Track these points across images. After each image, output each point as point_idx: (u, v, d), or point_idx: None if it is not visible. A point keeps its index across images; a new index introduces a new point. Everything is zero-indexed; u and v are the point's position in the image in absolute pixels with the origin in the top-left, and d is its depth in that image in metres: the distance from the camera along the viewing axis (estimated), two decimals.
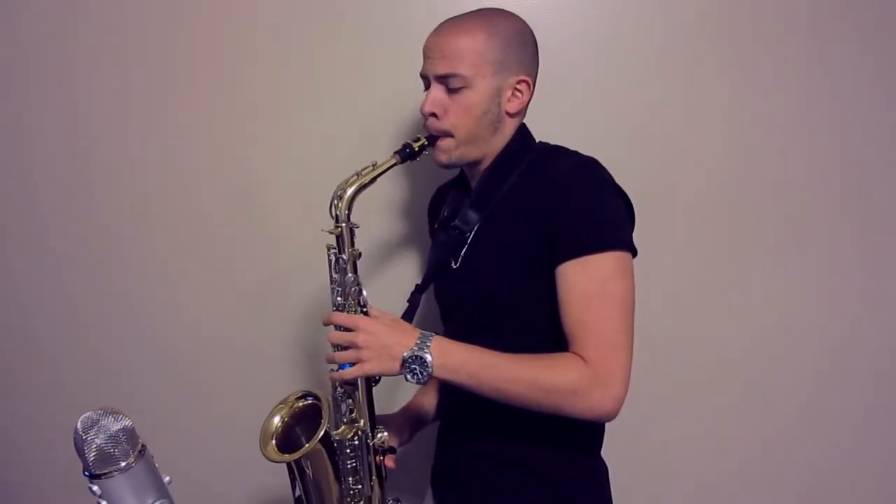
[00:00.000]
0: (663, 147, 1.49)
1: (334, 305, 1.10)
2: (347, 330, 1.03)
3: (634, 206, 1.12)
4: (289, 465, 1.13)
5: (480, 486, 1.18)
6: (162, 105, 1.57)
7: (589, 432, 1.17)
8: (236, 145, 1.57)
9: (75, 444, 0.75)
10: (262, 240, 1.61)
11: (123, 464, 0.75)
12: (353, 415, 1.12)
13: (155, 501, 0.77)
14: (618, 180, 1.10)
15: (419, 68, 1.14)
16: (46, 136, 1.61)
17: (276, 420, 1.16)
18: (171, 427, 1.67)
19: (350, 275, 1.08)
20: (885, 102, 1.45)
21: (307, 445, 1.09)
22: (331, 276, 1.10)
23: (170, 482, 0.80)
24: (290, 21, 1.50)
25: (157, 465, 0.79)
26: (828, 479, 1.61)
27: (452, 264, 1.18)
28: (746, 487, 1.63)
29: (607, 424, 1.17)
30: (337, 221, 1.07)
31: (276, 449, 1.13)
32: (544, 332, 1.08)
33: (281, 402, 1.18)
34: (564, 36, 1.43)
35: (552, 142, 1.20)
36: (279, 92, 1.54)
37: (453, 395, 1.21)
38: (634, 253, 1.06)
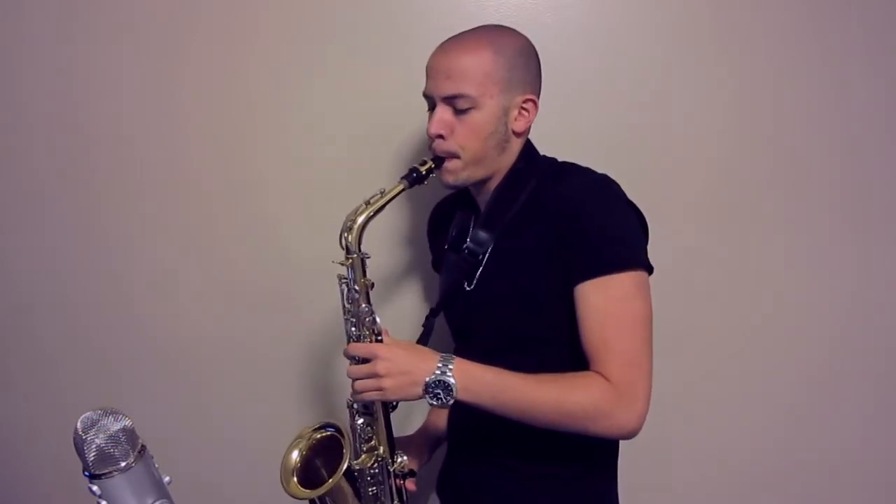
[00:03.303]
0: (661, 146, 1.49)
1: (348, 336, 1.09)
2: (365, 360, 1.02)
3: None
4: (311, 499, 1.13)
5: (489, 493, 1.18)
6: (166, 106, 1.57)
7: (606, 440, 1.17)
8: (242, 152, 1.57)
9: (75, 444, 0.75)
10: (267, 241, 1.61)
11: (123, 464, 0.75)
12: (373, 442, 1.11)
13: (155, 501, 0.77)
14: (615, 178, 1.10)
15: (425, 80, 1.13)
16: (46, 137, 1.61)
17: (295, 455, 1.15)
18: (171, 427, 1.67)
19: (364, 305, 1.06)
20: (885, 95, 1.45)
21: (330, 481, 1.09)
22: (343, 307, 1.09)
23: (170, 482, 0.80)
24: (289, 25, 1.50)
25: (157, 465, 0.79)
26: (828, 478, 1.61)
27: (466, 286, 1.17)
28: (747, 487, 1.63)
29: None
30: (348, 252, 1.06)
31: (298, 485, 1.13)
32: (560, 350, 1.08)
33: (298, 437, 1.17)
34: (565, 35, 1.44)
35: (550, 141, 1.19)
36: (284, 105, 1.54)
37: (461, 404, 1.21)
38: (650, 271, 1.06)
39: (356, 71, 1.50)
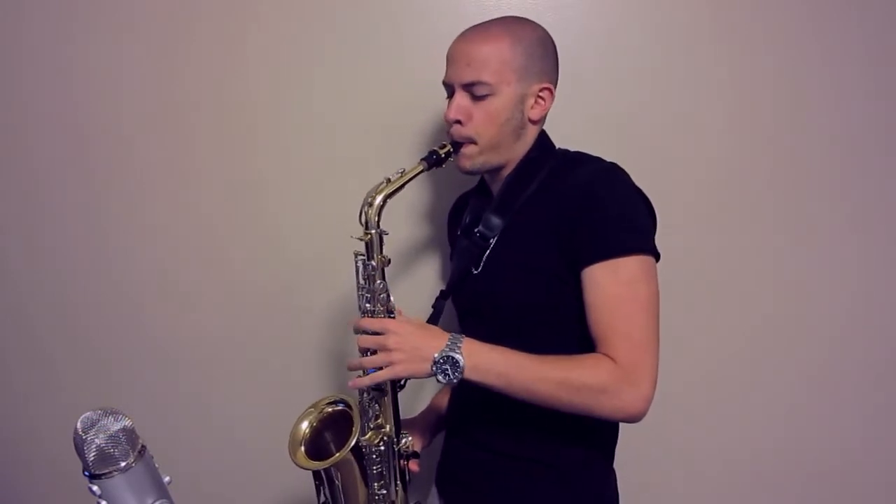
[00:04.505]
0: (661, 146, 1.49)
1: (361, 311, 1.10)
2: (376, 334, 1.03)
3: None
4: (316, 471, 1.14)
5: (486, 480, 1.18)
6: (166, 105, 1.57)
7: (606, 431, 1.18)
8: (242, 152, 1.57)
9: (75, 444, 0.75)
10: (267, 241, 1.61)
11: (123, 464, 0.75)
12: (379, 420, 1.13)
13: (155, 501, 0.77)
14: None
15: (438, 71, 1.14)
16: (46, 136, 1.61)
17: (305, 425, 1.17)
18: (171, 427, 1.67)
19: (379, 281, 1.08)
20: (885, 95, 1.45)
21: (339, 454, 1.10)
22: (358, 283, 1.10)
23: (170, 482, 0.80)
24: (289, 24, 1.50)
25: (157, 465, 0.79)
26: (828, 478, 1.61)
27: (473, 270, 1.18)
28: (747, 487, 1.63)
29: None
30: (367, 228, 1.08)
31: (305, 455, 1.14)
32: (566, 334, 1.09)
33: (311, 407, 1.19)
34: (565, 35, 1.43)
35: (553, 139, 1.20)
36: (284, 105, 1.54)
37: (465, 391, 1.21)
38: (657, 257, 1.07)
39: (356, 71, 1.50)
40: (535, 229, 1.10)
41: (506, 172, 1.17)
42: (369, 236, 1.08)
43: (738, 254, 1.52)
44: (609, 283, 1.02)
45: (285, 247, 1.60)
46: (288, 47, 1.52)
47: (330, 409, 1.19)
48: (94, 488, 0.75)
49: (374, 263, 1.08)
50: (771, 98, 1.46)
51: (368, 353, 1.05)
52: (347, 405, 1.17)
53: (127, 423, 0.76)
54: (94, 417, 0.75)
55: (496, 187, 1.20)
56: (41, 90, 1.58)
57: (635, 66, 1.46)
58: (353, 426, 1.13)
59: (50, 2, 1.54)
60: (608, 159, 1.12)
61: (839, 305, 1.53)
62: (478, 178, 1.26)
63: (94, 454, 0.74)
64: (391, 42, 1.48)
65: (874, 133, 1.46)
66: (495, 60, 1.08)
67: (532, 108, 1.13)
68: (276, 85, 1.53)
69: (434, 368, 1.00)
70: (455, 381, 1.00)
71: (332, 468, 1.13)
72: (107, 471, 0.74)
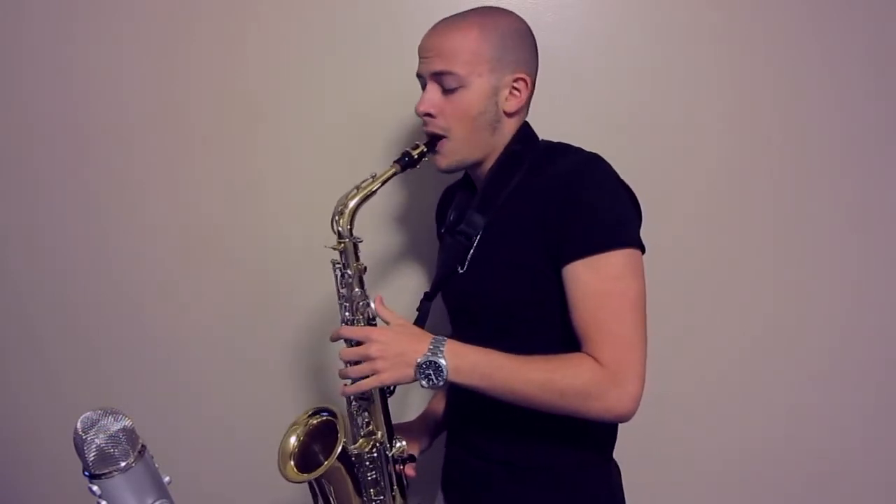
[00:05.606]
0: (661, 146, 1.49)
1: (343, 321, 1.09)
2: (358, 343, 1.02)
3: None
4: (309, 483, 1.13)
5: (482, 488, 1.18)
6: (165, 105, 1.57)
7: (601, 431, 1.17)
8: (236, 149, 1.57)
9: (75, 444, 0.74)
10: (266, 241, 1.61)
11: (123, 464, 0.75)
12: (370, 427, 1.12)
13: (155, 501, 0.77)
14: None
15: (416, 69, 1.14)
16: (46, 136, 1.61)
17: (293, 440, 1.16)
18: (171, 427, 1.67)
19: (357, 290, 1.07)
20: (885, 95, 1.45)
21: (325, 464, 1.09)
22: (338, 292, 1.09)
23: (170, 482, 0.80)
24: (289, 24, 1.50)
25: (157, 465, 0.79)
26: (828, 478, 1.61)
27: (459, 269, 1.16)
28: (747, 487, 1.63)
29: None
30: (340, 237, 1.06)
31: (294, 469, 1.13)
32: (554, 332, 1.08)
33: (295, 423, 1.17)
34: (565, 35, 1.44)
35: (552, 139, 1.19)
36: (284, 105, 1.54)
37: (459, 397, 1.21)
38: (643, 250, 1.05)
39: (357, 71, 1.50)
40: (519, 224, 1.08)
41: (487, 166, 1.14)
42: (342, 245, 1.06)
43: (738, 254, 1.52)
44: (591, 280, 1.00)
45: (285, 247, 1.60)
46: (288, 47, 1.52)
47: (315, 421, 1.17)
48: (94, 488, 0.75)
49: (350, 272, 1.07)
50: (771, 98, 1.46)
51: (350, 364, 1.04)
52: (331, 414, 1.16)
53: (127, 423, 0.76)
54: (94, 417, 0.75)
55: (479, 182, 1.17)
56: (41, 90, 1.58)
57: (635, 66, 1.46)
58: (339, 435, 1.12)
59: (50, 2, 1.54)
60: (599, 153, 1.09)
61: (839, 305, 1.53)
62: (460, 172, 1.24)
63: (94, 454, 0.74)
64: (391, 42, 1.48)
65: (874, 133, 1.46)
66: (465, 51, 1.06)
67: (507, 99, 1.10)
68: (276, 85, 1.53)
69: (417, 373, 0.99)
70: (439, 385, 0.99)
71: (321, 478, 1.11)
72: (107, 471, 0.74)
